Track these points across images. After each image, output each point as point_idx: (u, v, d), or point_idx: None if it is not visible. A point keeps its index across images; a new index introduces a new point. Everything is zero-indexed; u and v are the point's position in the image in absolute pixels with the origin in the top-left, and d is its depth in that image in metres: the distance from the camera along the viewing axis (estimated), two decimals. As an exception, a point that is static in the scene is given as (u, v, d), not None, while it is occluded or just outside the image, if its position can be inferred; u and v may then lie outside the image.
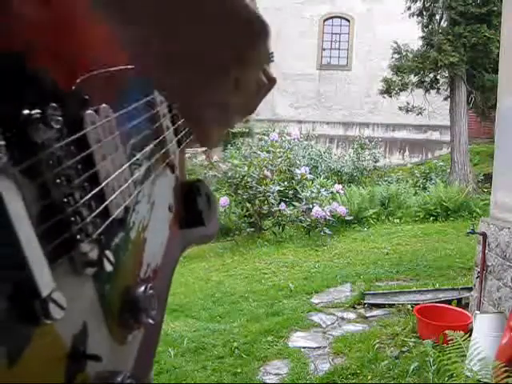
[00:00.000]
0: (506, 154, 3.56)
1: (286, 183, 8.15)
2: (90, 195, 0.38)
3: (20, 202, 0.30)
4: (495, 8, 10.52)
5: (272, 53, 0.95)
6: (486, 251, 3.63)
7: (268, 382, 3.30)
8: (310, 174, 8.63)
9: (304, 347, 3.79)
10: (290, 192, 8.25)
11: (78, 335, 0.36)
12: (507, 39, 3.74)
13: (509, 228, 3.38)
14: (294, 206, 7.80)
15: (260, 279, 5.66)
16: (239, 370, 3.41)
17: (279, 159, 8.18)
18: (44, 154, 0.33)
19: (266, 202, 7.52)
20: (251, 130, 13.18)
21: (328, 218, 7.37)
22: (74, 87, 0.38)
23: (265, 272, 5.93)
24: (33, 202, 0.32)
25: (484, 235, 3.64)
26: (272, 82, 0.88)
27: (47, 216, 0.33)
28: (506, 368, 2.48)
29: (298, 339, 3.95)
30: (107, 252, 0.39)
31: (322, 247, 7.04)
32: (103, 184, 0.40)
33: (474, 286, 3.87)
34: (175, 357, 3.63)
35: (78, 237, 0.36)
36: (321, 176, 10.59)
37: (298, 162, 9.29)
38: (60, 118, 0.35)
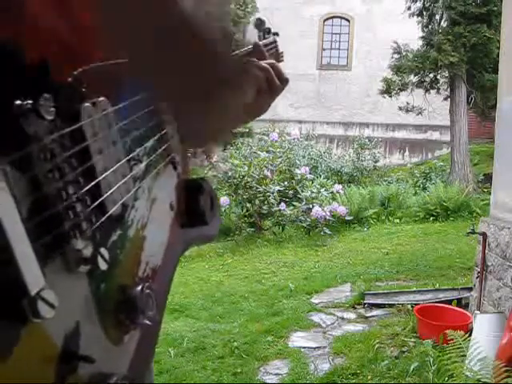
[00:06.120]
0: (506, 154, 3.56)
1: (286, 183, 8.14)
2: (84, 190, 0.36)
3: (8, 195, 0.29)
4: (495, 8, 10.51)
5: (282, 52, 0.95)
6: (486, 251, 3.62)
7: (268, 382, 3.29)
8: (310, 173, 8.62)
9: (304, 347, 3.78)
10: (290, 192, 8.24)
11: (69, 335, 0.34)
12: (507, 39, 3.73)
13: (509, 228, 3.38)
14: (293, 205, 7.80)
15: (260, 279, 5.65)
16: (239, 370, 3.40)
17: (279, 159, 8.17)
18: (36, 146, 0.32)
19: (265, 202, 7.51)
20: (251, 130, 13.16)
21: (328, 217, 7.37)
22: (70, 79, 0.37)
23: (265, 272, 5.93)
24: (23, 196, 0.30)
25: (484, 235, 3.64)
26: (284, 83, 0.88)
27: (38, 211, 0.31)
28: (506, 368, 2.48)
29: (298, 339, 3.95)
30: (102, 249, 0.38)
31: (322, 247, 7.03)
32: (99, 179, 0.38)
33: (474, 285, 3.87)
34: (175, 357, 3.62)
35: (71, 233, 0.34)
36: (321, 176, 10.58)
37: (297, 161, 9.28)
38: (53, 109, 0.33)
